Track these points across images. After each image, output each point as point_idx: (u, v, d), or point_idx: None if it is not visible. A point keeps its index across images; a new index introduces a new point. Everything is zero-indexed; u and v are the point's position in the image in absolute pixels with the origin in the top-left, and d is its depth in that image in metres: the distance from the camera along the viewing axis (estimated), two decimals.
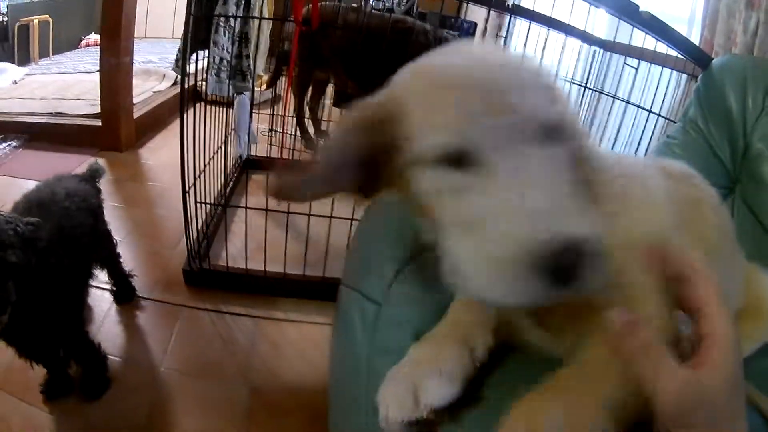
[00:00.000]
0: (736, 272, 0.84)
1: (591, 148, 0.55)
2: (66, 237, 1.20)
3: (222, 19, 1.74)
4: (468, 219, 0.45)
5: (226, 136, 1.99)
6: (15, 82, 3.26)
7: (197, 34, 1.71)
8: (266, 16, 1.94)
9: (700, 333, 0.45)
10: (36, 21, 3.78)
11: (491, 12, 2.71)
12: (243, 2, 1.85)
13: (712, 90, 1.23)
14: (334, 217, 1.55)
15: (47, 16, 3.90)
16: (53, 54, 4.01)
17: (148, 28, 4.11)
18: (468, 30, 3.44)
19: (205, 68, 1.84)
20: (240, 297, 1.70)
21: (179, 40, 1.75)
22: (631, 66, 2.16)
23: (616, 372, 0.47)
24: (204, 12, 1.68)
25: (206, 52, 1.76)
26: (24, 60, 3.72)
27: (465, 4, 2.57)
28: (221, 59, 1.76)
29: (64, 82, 3.30)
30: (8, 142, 2.56)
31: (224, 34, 1.74)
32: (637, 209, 0.60)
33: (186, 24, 1.51)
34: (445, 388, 0.53)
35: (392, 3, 3.44)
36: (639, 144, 1.74)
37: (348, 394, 0.79)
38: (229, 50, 1.83)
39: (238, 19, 1.84)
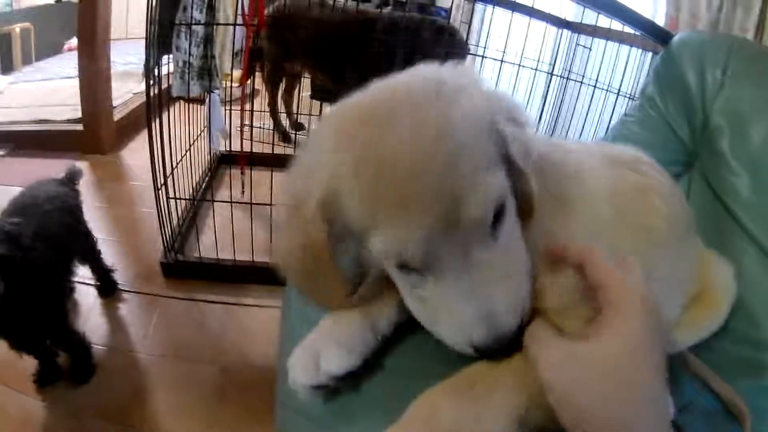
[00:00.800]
0: (689, 259, 0.83)
1: (534, 146, 0.53)
2: (47, 235, 1.31)
3: (183, 26, 1.83)
4: (425, 302, 0.50)
5: (198, 134, 2.10)
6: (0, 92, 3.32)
7: (164, 39, 1.80)
8: (229, 20, 2.01)
9: (599, 307, 0.46)
10: (17, 29, 3.80)
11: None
12: (206, 6, 1.94)
13: (671, 67, 1.21)
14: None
15: (28, 23, 3.92)
16: (36, 61, 4.03)
17: (129, 29, 4.11)
18: (442, 15, 3.52)
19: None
20: (213, 285, 1.81)
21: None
22: (585, 46, 2.22)
23: (527, 373, 0.48)
24: (167, 17, 1.76)
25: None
26: (7, 68, 3.75)
27: None
28: (184, 62, 1.85)
29: (47, 89, 3.36)
30: None
31: (186, 39, 1.82)
32: (572, 208, 0.61)
33: (147, 31, 1.60)
34: (343, 358, 0.56)
35: None
36: (609, 125, 1.70)
37: (282, 363, 0.87)
38: (193, 53, 1.91)
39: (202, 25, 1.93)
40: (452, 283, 0.47)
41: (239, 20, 1.99)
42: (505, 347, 0.48)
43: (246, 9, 1.72)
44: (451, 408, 0.48)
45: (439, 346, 0.57)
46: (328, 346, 0.57)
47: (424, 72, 0.53)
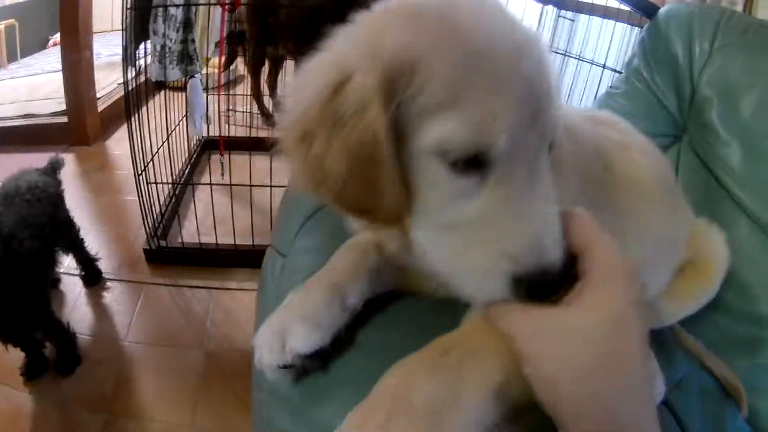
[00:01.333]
0: (679, 218, 0.82)
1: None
2: (29, 224, 1.31)
3: (160, 9, 1.81)
4: (464, 221, 0.43)
5: (180, 120, 2.08)
6: None
7: (143, 25, 1.78)
8: (200, 1, 1.98)
9: (582, 273, 0.42)
10: (2, 26, 3.79)
11: None
12: None
13: (658, 39, 1.21)
14: (274, 186, 1.64)
15: (12, 20, 3.90)
16: (22, 57, 4.00)
17: (114, 21, 4.09)
18: None
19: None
20: (196, 270, 1.81)
21: None
22: (568, 18, 2.19)
23: (503, 345, 0.43)
24: (142, 4, 1.75)
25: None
26: None
27: None
28: (162, 46, 1.83)
29: (33, 84, 3.34)
30: None
31: (162, 23, 1.80)
32: (566, 162, 0.58)
33: (124, 18, 1.59)
34: (310, 335, 0.51)
35: None
36: (595, 99, 1.65)
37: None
38: (171, 37, 1.89)
39: (181, 7, 1.90)
40: (522, 179, 0.42)
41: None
42: (543, 291, 0.41)
43: None
44: (424, 381, 0.42)
45: (415, 319, 0.56)
46: (293, 323, 0.51)
47: None
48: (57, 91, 2.87)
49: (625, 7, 1.47)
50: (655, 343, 0.69)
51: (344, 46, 0.46)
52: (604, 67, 1.78)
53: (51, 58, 3.79)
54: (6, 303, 1.21)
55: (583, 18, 2.14)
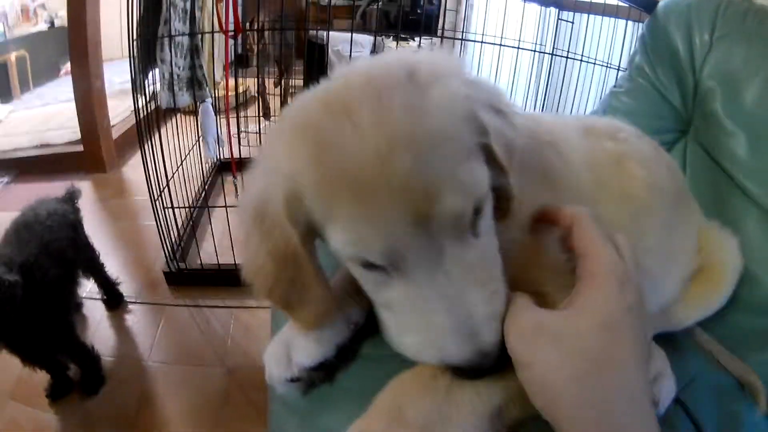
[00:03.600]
0: (684, 230, 0.81)
1: (517, 140, 0.49)
2: (51, 251, 1.36)
3: (166, 38, 1.86)
4: (392, 307, 0.45)
5: (193, 144, 2.13)
6: (0, 121, 3.36)
7: (149, 53, 1.84)
8: (209, 29, 2.03)
9: (579, 277, 0.44)
10: (13, 57, 3.84)
11: None
12: (188, 18, 1.97)
13: (658, 34, 1.19)
14: None
15: (23, 51, 3.96)
16: (34, 87, 4.06)
17: (123, 49, 4.12)
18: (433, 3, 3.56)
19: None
20: (215, 290, 1.85)
21: None
22: (567, 21, 2.21)
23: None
24: (148, 33, 1.80)
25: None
26: (6, 97, 3.78)
27: None
28: (170, 74, 1.88)
29: (46, 114, 3.40)
30: None
31: (171, 51, 1.85)
32: (554, 178, 0.59)
33: (131, 48, 1.64)
34: (313, 349, 0.55)
35: None
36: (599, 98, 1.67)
37: None
38: (178, 65, 1.94)
39: (186, 35, 1.96)
40: (424, 284, 0.42)
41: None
42: (485, 365, 0.42)
43: (223, 17, 1.74)
44: (416, 400, 0.45)
45: None
46: (297, 339, 0.56)
47: (397, 56, 0.50)
48: (71, 120, 2.90)
49: (624, 4, 1.48)
50: (667, 342, 0.71)
51: (259, 168, 0.48)
52: (608, 66, 1.80)
53: (63, 88, 3.79)
54: (32, 328, 1.25)
55: (584, 18, 2.14)
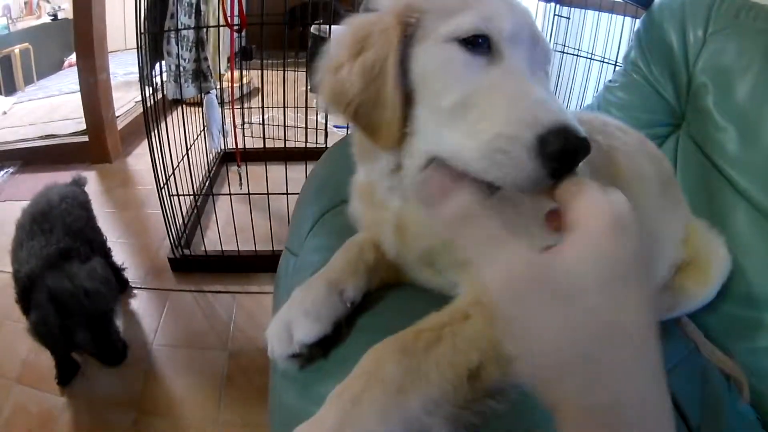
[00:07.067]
0: (671, 217, 0.84)
1: None
2: (75, 230, 1.41)
3: (172, 31, 1.90)
4: (472, 100, 0.46)
5: (198, 135, 2.17)
6: (4, 113, 3.39)
7: (156, 46, 1.88)
8: (215, 23, 2.08)
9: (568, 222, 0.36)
10: (17, 50, 3.87)
11: None
12: (194, 11, 2.00)
13: (653, 30, 1.21)
14: (290, 194, 1.71)
15: (27, 44, 3.99)
16: (38, 79, 4.10)
17: (127, 41, 4.10)
18: None
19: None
20: (219, 276, 1.90)
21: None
22: (563, 16, 2.23)
23: (481, 329, 0.45)
24: (154, 27, 1.84)
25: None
26: (10, 90, 3.82)
27: None
28: (177, 66, 1.91)
29: (51, 105, 3.44)
30: (4, 170, 2.73)
31: (176, 44, 1.88)
32: None
33: (138, 41, 1.68)
34: (311, 326, 0.57)
35: None
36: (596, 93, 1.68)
37: None
38: (184, 57, 1.98)
39: (192, 29, 2.00)
40: (523, 69, 0.48)
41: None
42: (571, 154, 0.39)
43: (228, 11, 1.78)
44: (393, 361, 0.46)
45: (408, 305, 0.60)
46: (297, 317, 0.58)
47: None
48: (76, 111, 2.95)
49: (620, 0, 1.49)
50: None
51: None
52: (604, 61, 1.83)
53: (68, 79, 3.88)
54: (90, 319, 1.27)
55: (580, 13, 2.18)
